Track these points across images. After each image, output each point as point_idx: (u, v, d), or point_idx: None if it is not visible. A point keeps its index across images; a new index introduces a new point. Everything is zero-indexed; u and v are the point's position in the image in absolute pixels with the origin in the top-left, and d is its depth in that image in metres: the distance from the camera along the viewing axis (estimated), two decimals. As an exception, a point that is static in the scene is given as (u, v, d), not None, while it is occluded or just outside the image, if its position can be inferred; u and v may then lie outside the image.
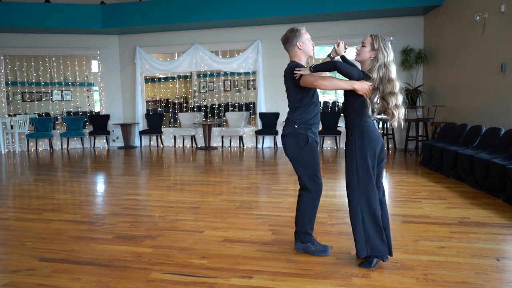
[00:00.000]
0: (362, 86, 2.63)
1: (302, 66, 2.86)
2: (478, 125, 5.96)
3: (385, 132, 9.05)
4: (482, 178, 4.84)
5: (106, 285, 2.54)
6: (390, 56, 2.76)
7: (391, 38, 9.11)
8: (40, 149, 10.37)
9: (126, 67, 10.73)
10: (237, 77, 14.08)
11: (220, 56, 10.26)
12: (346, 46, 2.93)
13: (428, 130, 8.40)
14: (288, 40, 2.98)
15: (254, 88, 10.69)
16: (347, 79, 2.68)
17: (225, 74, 12.12)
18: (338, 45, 2.90)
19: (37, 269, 2.81)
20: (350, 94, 2.74)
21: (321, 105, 16.21)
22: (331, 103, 15.35)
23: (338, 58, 2.90)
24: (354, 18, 9.08)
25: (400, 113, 2.75)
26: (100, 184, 6.16)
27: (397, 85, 2.79)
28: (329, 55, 3.00)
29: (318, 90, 2.97)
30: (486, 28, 6.28)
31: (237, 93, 13.82)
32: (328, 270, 2.69)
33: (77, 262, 2.93)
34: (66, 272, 2.75)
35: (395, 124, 2.76)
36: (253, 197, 4.93)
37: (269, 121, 9.74)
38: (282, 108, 9.88)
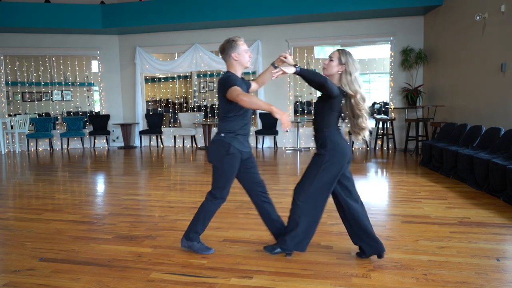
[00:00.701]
0: (282, 116, 2.57)
1: (236, 78, 2.83)
2: (478, 125, 5.96)
3: (385, 132, 9.05)
4: (482, 178, 4.85)
5: (106, 285, 2.54)
6: (358, 71, 2.80)
7: (391, 38, 9.12)
8: (40, 149, 10.37)
9: (126, 67, 10.73)
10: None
11: (220, 56, 10.23)
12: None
13: (428, 130, 8.40)
14: (224, 51, 2.94)
15: (254, 88, 10.67)
16: (265, 104, 2.65)
17: (225, 74, 12.09)
18: (285, 58, 2.90)
19: (37, 269, 2.81)
20: (322, 108, 2.82)
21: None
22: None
23: (288, 68, 2.70)
24: (354, 18, 9.08)
25: (365, 135, 2.86)
26: (100, 184, 6.16)
27: (365, 104, 2.82)
28: (272, 64, 3.01)
29: None
30: (486, 28, 6.28)
31: (237, 93, 13.79)
32: (328, 270, 2.70)
33: (77, 262, 2.93)
34: (66, 272, 2.75)
35: (359, 139, 2.90)
36: (253, 197, 4.92)
37: (269, 121, 9.74)
38: (282, 108, 9.89)
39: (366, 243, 2.81)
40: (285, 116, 2.56)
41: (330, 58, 2.80)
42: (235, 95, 2.65)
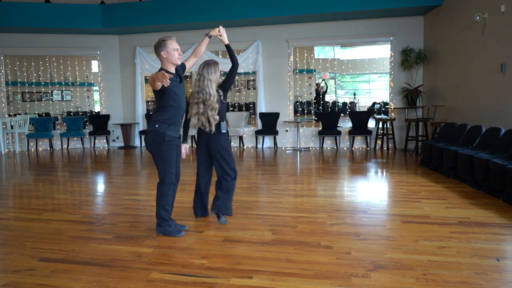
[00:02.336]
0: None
1: (168, 72, 3.18)
2: (478, 125, 5.96)
3: (385, 132, 9.05)
4: (482, 178, 4.84)
5: (106, 285, 2.54)
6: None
7: (391, 38, 9.12)
8: (40, 149, 10.37)
9: (126, 67, 10.74)
10: (237, 77, 14.08)
11: (220, 56, 10.26)
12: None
13: (428, 130, 8.40)
14: (156, 50, 3.35)
15: (254, 88, 10.69)
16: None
17: (225, 74, 12.10)
18: (221, 35, 3.62)
19: (37, 269, 2.81)
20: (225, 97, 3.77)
21: (321, 105, 16.26)
22: (331, 103, 15.40)
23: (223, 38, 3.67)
24: (354, 18, 9.09)
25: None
26: (100, 184, 6.16)
27: None
28: (207, 34, 3.64)
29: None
30: (486, 28, 6.28)
31: (237, 93, 13.82)
32: (328, 270, 2.70)
33: (77, 262, 2.93)
34: (66, 272, 2.75)
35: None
36: (253, 197, 4.93)
37: (269, 121, 9.74)
38: (282, 108, 9.89)
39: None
40: (159, 75, 2.94)
41: None
42: (150, 82, 3.09)
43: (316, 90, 14.25)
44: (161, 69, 3.26)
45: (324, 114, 10.39)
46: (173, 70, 3.32)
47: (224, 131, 3.67)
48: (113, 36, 10.64)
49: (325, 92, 14.90)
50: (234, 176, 3.73)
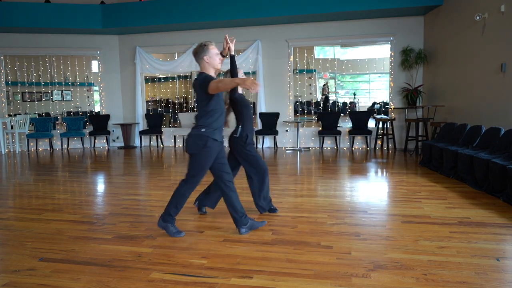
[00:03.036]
0: (246, 82, 3.01)
1: (212, 78, 3.17)
2: (478, 125, 5.96)
3: (385, 132, 9.05)
4: (482, 178, 4.84)
5: (106, 285, 2.54)
6: None
7: (391, 38, 9.12)
8: (40, 149, 10.37)
9: (126, 67, 10.74)
10: (237, 77, 14.06)
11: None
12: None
13: (428, 130, 8.40)
14: (197, 54, 3.27)
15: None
16: (236, 79, 3.14)
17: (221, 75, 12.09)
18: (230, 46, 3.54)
19: (37, 269, 2.81)
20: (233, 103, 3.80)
21: (321, 105, 16.27)
22: (331, 103, 15.40)
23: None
24: (354, 18, 9.09)
25: None
26: (100, 184, 6.16)
27: None
28: (220, 53, 3.47)
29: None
30: (486, 28, 6.28)
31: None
32: (328, 270, 2.70)
33: (77, 262, 2.93)
34: (66, 272, 2.75)
35: None
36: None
37: (269, 121, 9.74)
38: (282, 108, 9.90)
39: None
40: (247, 81, 2.91)
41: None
42: (215, 86, 3.05)
43: (323, 93, 14.33)
44: (202, 73, 3.24)
45: (324, 114, 10.39)
46: (214, 75, 3.32)
47: (235, 135, 3.82)
48: (113, 36, 10.64)
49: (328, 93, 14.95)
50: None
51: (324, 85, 14.84)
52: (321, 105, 13.75)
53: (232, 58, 3.63)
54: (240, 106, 3.81)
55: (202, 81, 3.15)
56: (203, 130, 3.23)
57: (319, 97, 17.59)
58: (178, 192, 3.39)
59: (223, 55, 3.45)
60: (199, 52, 3.24)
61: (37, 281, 2.62)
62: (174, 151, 9.56)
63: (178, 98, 14.82)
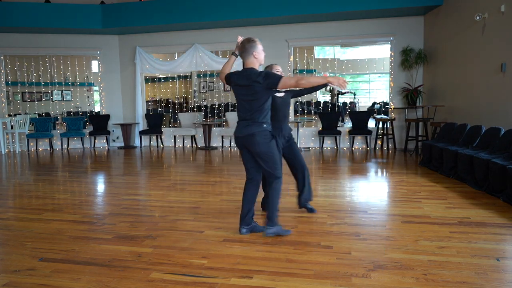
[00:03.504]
0: (338, 81, 3.10)
1: (276, 74, 3.16)
2: (478, 125, 5.96)
3: (385, 132, 9.05)
4: (482, 178, 4.84)
5: (106, 285, 2.54)
6: None
7: (391, 38, 9.12)
8: (40, 149, 10.37)
9: (126, 67, 10.74)
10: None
11: (220, 56, 10.26)
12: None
13: (428, 130, 8.40)
14: (246, 50, 3.25)
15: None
16: (321, 78, 3.29)
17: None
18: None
19: (37, 269, 2.81)
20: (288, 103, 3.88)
21: (321, 106, 16.28)
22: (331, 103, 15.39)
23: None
24: (354, 18, 9.09)
25: None
26: (100, 184, 6.16)
27: None
28: (233, 53, 3.49)
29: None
30: (486, 28, 6.28)
31: (237, 93, 13.79)
32: (328, 270, 2.70)
33: (77, 262, 2.93)
34: (66, 272, 2.75)
35: None
36: (253, 197, 4.92)
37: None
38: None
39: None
40: (340, 80, 3.05)
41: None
42: (294, 81, 3.07)
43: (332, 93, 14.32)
44: (253, 69, 3.21)
45: (324, 114, 10.39)
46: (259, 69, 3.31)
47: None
48: (113, 36, 10.64)
49: (339, 93, 14.84)
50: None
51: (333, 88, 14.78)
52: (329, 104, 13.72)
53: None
54: (278, 106, 3.81)
55: (266, 77, 3.09)
56: (265, 126, 3.22)
57: (319, 97, 17.60)
58: (275, 192, 3.34)
59: (235, 54, 3.48)
60: (248, 48, 3.23)
61: (37, 281, 2.62)
62: (174, 151, 9.56)
63: (178, 98, 14.83)
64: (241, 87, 3.21)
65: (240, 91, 3.24)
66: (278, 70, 3.79)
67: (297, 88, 3.65)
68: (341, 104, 14.59)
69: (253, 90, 3.15)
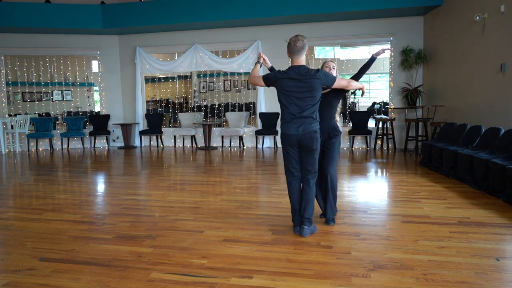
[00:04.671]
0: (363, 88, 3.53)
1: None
2: (478, 125, 5.96)
3: (385, 132, 9.05)
4: (482, 178, 4.85)
5: (106, 285, 2.55)
6: None
7: (391, 38, 9.12)
8: (40, 149, 10.37)
9: (126, 67, 10.74)
10: (237, 77, 14.09)
11: (220, 56, 10.26)
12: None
13: (428, 130, 8.40)
14: (304, 47, 3.29)
15: (254, 88, 10.69)
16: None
17: (225, 74, 12.11)
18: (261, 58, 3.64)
19: (37, 269, 2.82)
20: (334, 99, 3.63)
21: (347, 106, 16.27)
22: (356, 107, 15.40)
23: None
24: (354, 18, 9.08)
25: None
26: (100, 184, 6.17)
27: None
28: (258, 62, 3.61)
29: None
30: (486, 28, 6.28)
31: (237, 93, 13.83)
32: (328, 270, 2.70)
33: (77, 262, 2.93)
34: (66, 272, 2.75)
35: None
36: (253, 197, 4.94)
37: (269, 121, 9.74)
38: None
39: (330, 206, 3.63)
40: (364, 87, 3.48)
41: (333, 67, 3.69)
42: (346, 81, 3.38)
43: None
44: (304, 66, 3.28)
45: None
46: None
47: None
48: (113, 36, 10.64)
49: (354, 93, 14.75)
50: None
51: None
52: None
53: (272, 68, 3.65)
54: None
55: (327, 75, 3.25)
56: (317, 123, 3.32)
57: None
58: (312, 191, 3.36)
59: (260, 63, 3.61)
60: (305, 46, 3.28)
61: (37, 281, 2.62)
62: (174, 151, 9.56)
63: (178, 98, 14.83)
64: (296, 82, 3.23)
65: (294, 88, 3.24)
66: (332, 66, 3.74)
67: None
68: (356, 102, 14.60)
69: (312, 87, 3.22)
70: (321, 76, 3.22)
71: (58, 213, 4.28)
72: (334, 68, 3.68)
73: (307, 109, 3.24)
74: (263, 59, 3.62)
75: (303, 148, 3.32)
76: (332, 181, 3.59)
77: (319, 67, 3.71)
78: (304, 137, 3.26)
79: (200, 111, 12.13)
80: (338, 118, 3.72)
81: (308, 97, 3.23)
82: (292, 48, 3.27)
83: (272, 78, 3.35)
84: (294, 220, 3.43)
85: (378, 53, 3.84)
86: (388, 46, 3.34)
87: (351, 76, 3.83)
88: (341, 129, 9.48)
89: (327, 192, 3.61)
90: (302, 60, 3.29)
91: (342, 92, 3.59)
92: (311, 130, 3.25)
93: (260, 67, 3.61)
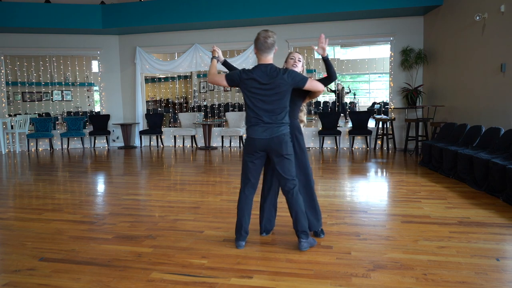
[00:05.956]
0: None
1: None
2: (478, 125, 5.96)
3: (385, 132, 9.05)
4: (482, 178, 4.85)
5: (106, 285, 2.55)
6: None
7: (391, 38, 9.12)
8: (40, 149, 10.37)
9: (126, 67, 10.74)
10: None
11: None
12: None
13: (428, 130, 8.40)
14: (274, 45, 3.03)
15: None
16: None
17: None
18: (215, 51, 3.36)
19: (37, 269, 2.82)
20: (298, 98, 3.22)
21: (321, 106, 16.27)
22: (331, 103, 15.42)
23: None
24: (354, 18, 9.08)
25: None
26: (100, 184, 6.16)
27: None
28: (214, 57, 3.34)
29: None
30: (486, 28, 6.28)
31: (237, 93, 13.81)
32: (328, 270, 2.70)
33: (77, 262, 2.93)
34: (66, 272, 2.75)
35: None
36: (253, 197, 4.93)
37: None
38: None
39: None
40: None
41: (299, 59, 3.37)
42: (322, 87, 3.08)
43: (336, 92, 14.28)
44: (272, 64, 3.03)
45: (324, 114, 10.39)
46: None
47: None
48: (113, 36, 10.63)
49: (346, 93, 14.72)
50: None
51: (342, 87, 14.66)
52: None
53: (225, 62, 3.45)
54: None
55: (294, 76, 2.96)
56: (288, 128, 3.05)
57: (319, 97, 17.60)
58: (300, 201, 3.06)
59: (217, 59, 3.34)
60: (275, 43, 3.01)
61: (37, 281, 2.62)
62: (174, 151, 9.56)
63: (178, 98, 14.84)
64: (262, 84, 2.93)
65: (259, 91, 2.94)
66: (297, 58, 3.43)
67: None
68: (356, 102, 14.54)
69: (284, 89, 2.94)
70: (288, 77, 2.92)
71: (58, 213, 4.28)
72: (300, 61, 3.30)
73: (274, 112, 2.94)
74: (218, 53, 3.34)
75: (273, 154, 2.98)
76: (306, 187, 3.24)
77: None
78: (272, 142, 2.93)
79: (200, 111, 12.13)
80: (304, 119, 3.37)
81: (275, 100, 2.93)
82: (262, 45, 2.95)
83: (236, 78, 3.01)
84: (238, 234, 3.11)
85: (322, 53, 3.25)
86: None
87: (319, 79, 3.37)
88: (341, 129, 9.65)
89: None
90: (270, 58, 3.01)
91: (308, 91, 3.19)
92: (279, 134, 2.94)
93: (217, 62, 3.33)
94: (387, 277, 2.58)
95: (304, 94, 3.24)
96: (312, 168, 3.33)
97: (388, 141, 9.01)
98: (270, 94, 2.94)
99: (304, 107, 3.36)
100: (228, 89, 14.22)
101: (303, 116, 3.35)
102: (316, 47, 3.20)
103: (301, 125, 3.34)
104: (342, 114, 10.17)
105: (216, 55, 3.34)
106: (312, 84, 3.03)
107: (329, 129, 9.49)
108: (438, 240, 3.22)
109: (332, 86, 13.68)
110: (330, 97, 16.64)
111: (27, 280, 2.64)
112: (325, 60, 3.20)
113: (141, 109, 10.74)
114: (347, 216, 3.95)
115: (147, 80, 13.24)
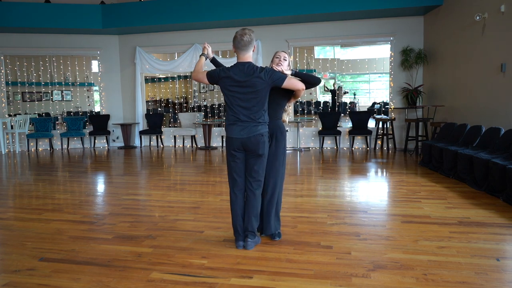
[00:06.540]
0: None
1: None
2: (478, 125, 5.96)
3: (385, 132, 9.05)
4: (482, 178, 4.84)
5: (106, 285, 2.54)
6: None
7: (391, 38, 9.12)
8: (40, 149, 10.37)
9: (126, 67, 10.73)
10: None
11: (220, 56, 10.26)
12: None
13: (428, 130, 8.40)
14: (251, 42, 3.03)
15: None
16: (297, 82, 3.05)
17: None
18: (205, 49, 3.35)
19: (37, 269, 2.82)
20: (282, 98, 3.18)
21: (321, 105, 16.28)
22: (331, 103, 15.41)
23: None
24: (354, 18, 9.08)
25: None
26: (100, 184, 6.16)
27: None
28: (203, 54, 3.31)
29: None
30: (486, 28, 6.28)
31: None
32: (328, 270, 2.70)
33: (77, 262, 2.93)
34: (66, 272, 2.75)
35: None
36: (253, 197, 4.92)
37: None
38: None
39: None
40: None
41: (284, 58, 3.28)
42: (302, 86, 3.02)
43: (333, 91, 14.28)
44: (250, 62, 3.03)
45: (324, 114, 10.39)
46: None
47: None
48: (113, 36, 10.63)
49: (342, 93, 14.72)
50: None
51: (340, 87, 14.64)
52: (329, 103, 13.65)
53: (214, 60, 3.45)
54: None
55: (272, 75, 2.93)
56: (266, 128, 3.03)
57: (319, 97, 17.60)
58: (257, 202, 3.08)
59: (205, 56, 3.32)
60: (252, 41, 3.01)
61: (37, 281, 2.62)
62: (174, 151, 9.56)
63: (178, 98, 14.84)
64: (239, 82, 2.93)
65: (237, 89, 2.94)
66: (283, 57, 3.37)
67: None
68: (356, 102, 14.49)
69: (265, 89, 2.94)
70: (265, 75, 2.89)
71: (58, 213, 4.28)
72: (285, 60, 3.25)
73: (252, 111, 2.93)
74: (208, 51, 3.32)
75: (249, 153, 3.00)
76: (273, 190, 3.17)
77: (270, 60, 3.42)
78: (248, 141, 2.94)
79: (200, 111, 12.13)
80: (286, 119, 3.31)
81: (252, 98, 2.91)
82: (238, 43, 2.96)
83: (215, 76, 3.02)
84: (236, 234, 3.14)
85: (285, 73, 3.10)
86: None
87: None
88: (341, 129, 9.65)
89: (265, 203, 3.18)
90: (248, 56, 3.00)
91: (292, 91, 3.13)
92: (256, 134, 2.93)
93: (206, 59, 3.30)
94: (387, 277, 2.58)
95: (288, 94, 3.19)
96: (285, 173, 3.32)
97: (388, 141, 9.01)
98: (246, 92, 2.93)
99: (288, 108, 3.33)
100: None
101: (285, 116, 3.32)
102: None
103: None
104: (342, 114, 10.15)
105: (206, 52, 3.33)
106: (291, 82, 2.98)
107: (329, 129, 9.49)
108: (438, 240, 3.22)
109: (329, 85, 13.73)
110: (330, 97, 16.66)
111: (27, 280, 2.64)
112: (295, 75, 3.16)
113: (141, 109, 10.74)
114: (347, 216, 3.95)
115: (147, 80, 13.24)
